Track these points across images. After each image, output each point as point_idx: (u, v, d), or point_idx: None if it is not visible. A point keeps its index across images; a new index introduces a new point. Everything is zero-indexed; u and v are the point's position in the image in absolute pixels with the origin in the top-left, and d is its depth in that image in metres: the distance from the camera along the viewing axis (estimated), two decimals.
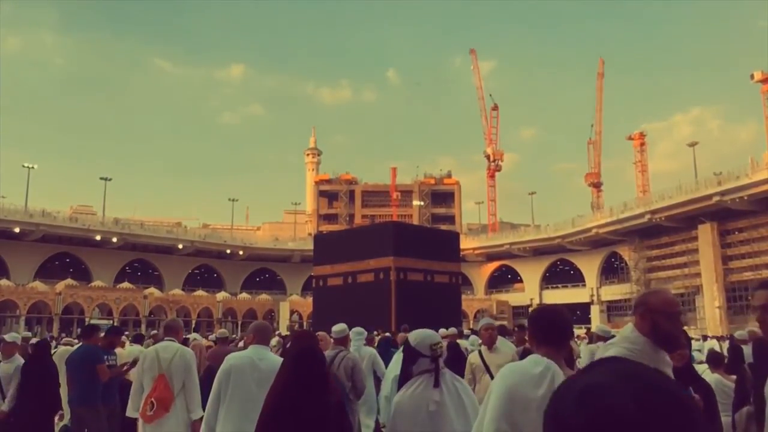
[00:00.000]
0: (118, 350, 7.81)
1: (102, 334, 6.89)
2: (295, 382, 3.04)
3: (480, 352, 5.33)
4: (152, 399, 5.01)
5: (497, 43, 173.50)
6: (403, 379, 3.36)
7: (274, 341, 16.71)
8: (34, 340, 10.47)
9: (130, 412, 5.39)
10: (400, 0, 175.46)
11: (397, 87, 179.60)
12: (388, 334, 13.92)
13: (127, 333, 18.69)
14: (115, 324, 48.77)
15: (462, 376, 7.84)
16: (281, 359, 4.33)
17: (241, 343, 12.17)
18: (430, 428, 2.98)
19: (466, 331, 13.44)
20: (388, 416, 3.34)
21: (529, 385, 2.27)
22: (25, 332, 16.64)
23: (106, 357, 6.39)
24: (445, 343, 3.60)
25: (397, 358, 6.32)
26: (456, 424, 2.97)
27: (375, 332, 14.23)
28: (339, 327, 6.51)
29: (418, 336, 3.27)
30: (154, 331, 17.12)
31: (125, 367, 6.77)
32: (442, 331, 11.83)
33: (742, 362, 6.60)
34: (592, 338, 7.35)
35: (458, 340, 10.18)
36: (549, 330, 2.52)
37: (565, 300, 64.99)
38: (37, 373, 7.18)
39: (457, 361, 8.41)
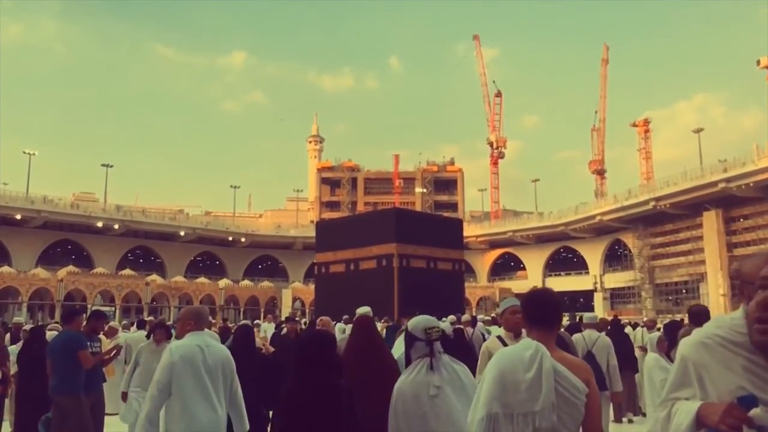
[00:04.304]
0: (102, 337, 7.57)
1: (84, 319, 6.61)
2: (306, 367, 3.15)
3: (501, 339, 4.39)
4: None
5: (500, 31, 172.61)
6: (406, 363, 3.45)
7: (266, 327, 16.54)
8: (27, 326, 10.23)
9: None
10: None
11: (400, 74, 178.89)
12: (391, 323, 13.75)
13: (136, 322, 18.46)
14: (117, 311, 48.91)
15: (468, 362, 7.59)
16: (225, 347, 4.18)
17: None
18: (432, 411, 3.07)
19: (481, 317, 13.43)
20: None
21: (519, 368, 2.36)
22: (17, 318, 16.49)
23: (89, 343, 6.04)
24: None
25: (398, 343, 6.10)
26: (457, 405, 3.07)
27: (383, 320, 14.08)
28: (363, 309, 6.50)
29: (414, 321, 3.38)
30: (150, 318, 16.93)
31: (111, 354, 6.49)
32: (451, 318, 11.63)
33: None
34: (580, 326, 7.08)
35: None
36: (541, 313, 2.56)
37: (569, 287, 64.82)
38: (33, 358, 6.97)
39: (461, 348, 8.16)
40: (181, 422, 3.81)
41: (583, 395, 2.36)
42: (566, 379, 2.35)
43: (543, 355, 2.37)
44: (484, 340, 9.93)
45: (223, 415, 3.98)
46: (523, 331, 4.41)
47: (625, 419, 9.95)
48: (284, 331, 10.52)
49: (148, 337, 10.26)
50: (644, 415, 9.92)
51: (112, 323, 8.66)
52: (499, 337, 4.36)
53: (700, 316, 5.45)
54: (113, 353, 6.52)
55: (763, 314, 1.43)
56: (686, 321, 6.12)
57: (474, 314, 12.81)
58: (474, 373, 7.74)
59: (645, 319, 18.59)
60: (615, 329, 10.26)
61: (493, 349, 4.19)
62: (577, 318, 13.94)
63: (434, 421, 3.05)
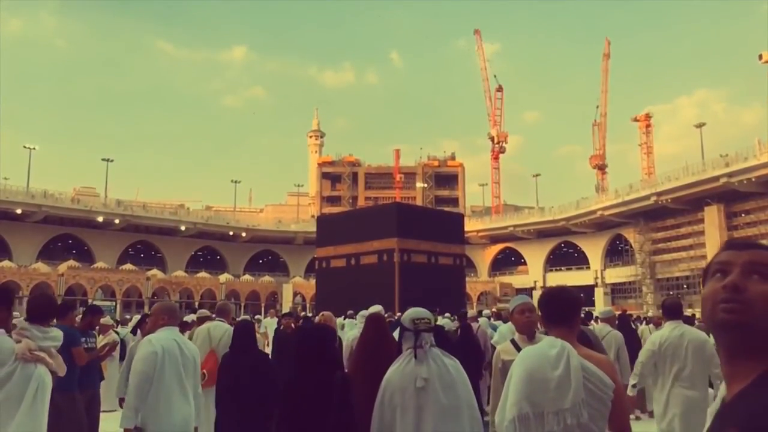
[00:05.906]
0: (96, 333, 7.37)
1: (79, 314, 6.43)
2: (304, 361, 3.19)
3: (515, 343, 3.94)
4: (204, 371, 5.33)
5: (501, 26, 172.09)
6: (397, 354, 3.48)
7: (267, 323, 16.38)
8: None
9: None
10: None
11: (401, 69, 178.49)
12: (396, 317, 13.67)
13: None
14: (118, 305, 48.83)
15: (472, 357, 7.47)
16: (193, 344, 4.23)
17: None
18: (417, 403, 3.07)
19: (486, 312, 13.32)
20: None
21: (547, 366, 2.36)
22: (16, 314, 16.14)
23: (84, 339, 5.87)
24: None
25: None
26: (443, 400, 3.06)
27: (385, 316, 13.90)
28: (375, 308, 6.44)
29: (406, 312, 3.40)
30: (147, 312, 16.82)
31: (105, 350, 6.31)
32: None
33: None
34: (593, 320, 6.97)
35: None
36: (558, 312, 2.56)
37: (569, 282, 64.69)
38: None
39: (469, 343, 8.04)
40: (157, 414, 3.76)
41: (610, 391, 2.38)
42: (594, 375, 2.37)
43: (570, 353, 2.38)
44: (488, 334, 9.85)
45: (194, 409, 3.98)
46: (537, 332, 4.11)
47: (632, 416, 9.82)
48: (281, 327, 10.43)
49: (134, 332, 10.00)
50: (651, 414, 9.78)
51: (103, 320, 8.36)
52: (512, 341, 3.96)
53: (673, 309, 5.29)
54: (107, 350, 6.35)
55: (729, 295, 1.33)
56: (698, 316, 5.97)
57: (480, 310, 12.69)
58: (476, 367, 7.62)
59: (650, 314, 18.39)
60: (623, 324, 10.11)
61: (506, 355, 3.87)
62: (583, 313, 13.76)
63: (418, 414, 3.05)
